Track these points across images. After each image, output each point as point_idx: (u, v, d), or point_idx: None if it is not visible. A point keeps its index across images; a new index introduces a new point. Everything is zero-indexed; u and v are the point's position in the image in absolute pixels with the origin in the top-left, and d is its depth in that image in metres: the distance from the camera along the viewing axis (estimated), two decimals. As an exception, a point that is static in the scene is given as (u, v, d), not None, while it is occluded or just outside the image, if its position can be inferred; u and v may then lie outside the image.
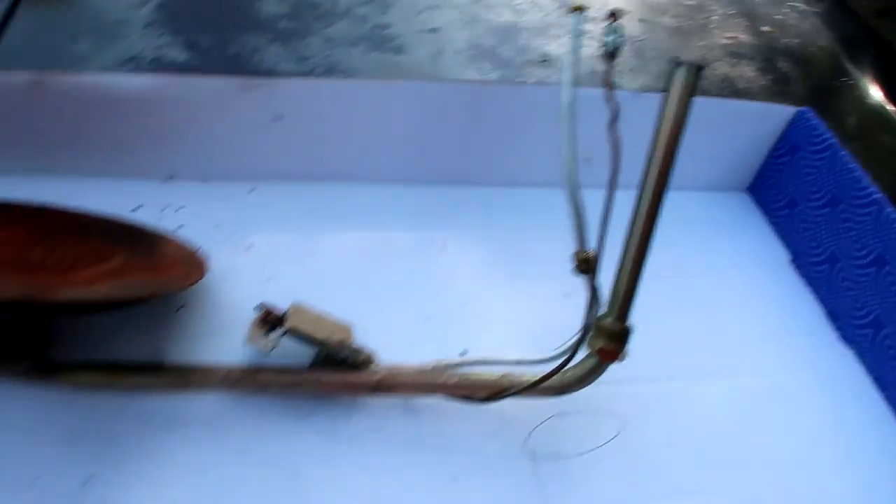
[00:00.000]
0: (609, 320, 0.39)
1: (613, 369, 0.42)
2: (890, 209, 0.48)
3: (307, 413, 0.41)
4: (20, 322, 0.37)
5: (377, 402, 0.42)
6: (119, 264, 0.38)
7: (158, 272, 0.40)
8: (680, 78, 0.37)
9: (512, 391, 0.40)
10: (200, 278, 0.41)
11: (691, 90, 0.37)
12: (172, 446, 0.38)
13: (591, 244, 0.39)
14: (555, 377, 0.41)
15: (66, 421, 0.38)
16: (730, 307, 0.53)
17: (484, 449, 0.42)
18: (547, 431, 0.43)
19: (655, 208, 0.39)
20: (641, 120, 0.38)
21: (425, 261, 0.50)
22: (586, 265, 0.40)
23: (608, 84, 0.38)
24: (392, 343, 0.43)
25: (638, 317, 0.49)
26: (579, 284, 0.40)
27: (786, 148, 0.57)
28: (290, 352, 0.41)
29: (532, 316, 0.48)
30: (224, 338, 0.43)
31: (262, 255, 0.48)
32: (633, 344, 0.46)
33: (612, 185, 0.39)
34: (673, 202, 0.60)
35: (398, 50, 0.70)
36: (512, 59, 0.73)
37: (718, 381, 0.48)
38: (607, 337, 0.39)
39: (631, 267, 0.39)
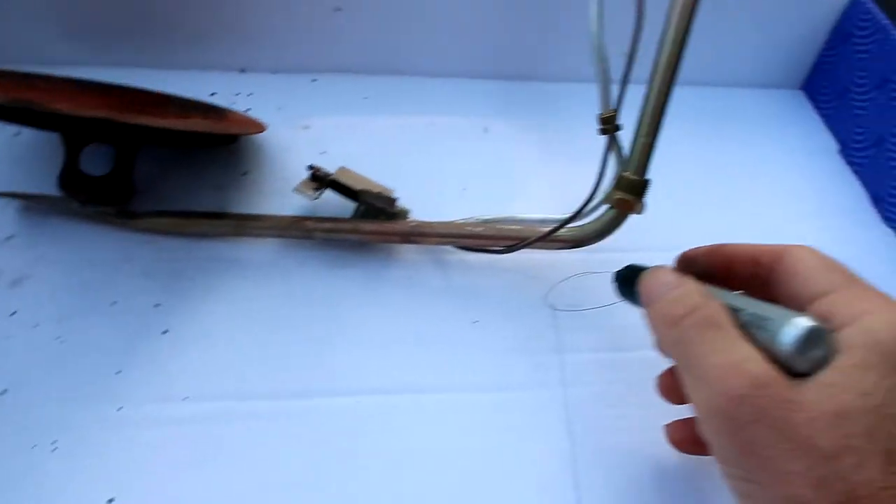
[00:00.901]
0: (628, 172, 0.41)
1: (641, 237, 0.44)
2: (936, 83, 0.47)
3: (348, 262, 0.46)
4: (112, 176, 0.44)
5: (411, 256, 0.46)
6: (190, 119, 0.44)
7: (223, 123, 0.46)
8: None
9: (532, 239, 0.43)
10: (260, 131, 0.47)
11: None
12: (230, 283, 0.44)
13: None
14: (575, 229, 0.43)
15: (141, 259, 0.44)
16: (773, 192, 0.54)
17: (507, 299, 0.45)
18: (569, 287, 0.45)
19: (677, 55, 0.40)
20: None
21: (467, 141, 0.54)
22: (608, 124, 0.42)
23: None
24: (431, 210, 0.47)
25: (674, 194, 0.51)
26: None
27: (838, 39, 0.57)
28: (335, 208, 0.46)
29: (568, 194, 0.50)
30: (281, 197, 0.48)
31: (318, 134, 0.53)
32: (664, 218, 0.49)
33: (636, 37, 0.41)
34: (724, 98, 0.61)
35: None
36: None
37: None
38: (625, 188, 0.41)
39: (649, 120, 0.41)
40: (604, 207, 0.43)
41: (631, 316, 0.45)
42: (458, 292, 0.45)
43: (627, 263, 0.39)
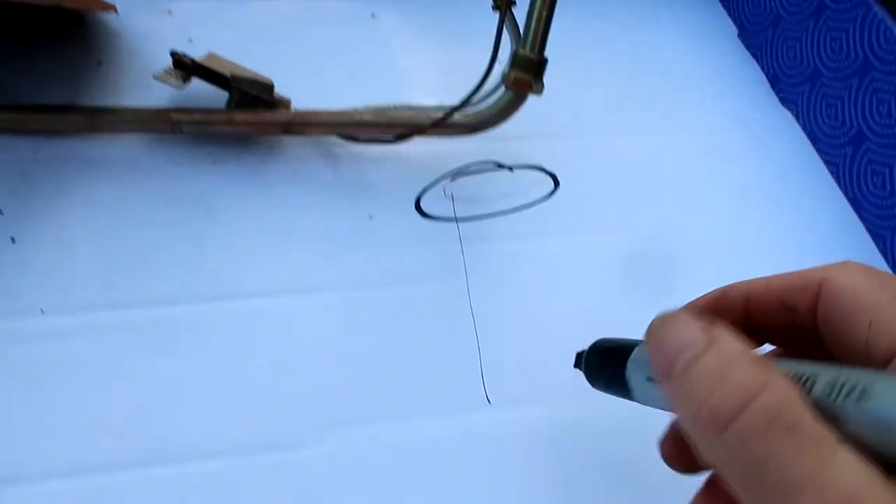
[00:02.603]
0: (524, 50, 0.38)
1: (541, 122, 0.42)
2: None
3: (224, 157, 0.41)
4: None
5: (295, 150, 0.42)
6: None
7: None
8: None
9: (425, 126, 0.40)
10: (107, 9, 0.41)
11: None
12: (87, 185, 0.39)
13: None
14: (471, 114, 0.40)
15: (-20, 162, 0.38)
16: (674, 75, 0.52)
17: (402, 191, 0.42)
18: (469, 179, 0.43)
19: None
20: None
21: (354, 28, 0.49)
22: (501, -3, 0.39)
23: None
24: (315, 101, 0.42)
25: (574, 75, 0.49)
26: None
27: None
28: (206, 99, 0.41)
29: (465, 80, 0.47)
30: (143, 89, 0.42)
31: (183, 20, 0.47)
32: (565, 101, 0.47)
33: None
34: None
35: None
36: None
37: (652, 137, 0.47)
38: (522, 66, 0.38)
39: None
40: (501, 90, 0.40)
41: (542, 211, 0.43)
42: (350, 186, 0.41)
43: (596, 340, 0.29)
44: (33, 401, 0.32)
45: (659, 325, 0.22)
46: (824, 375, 0.19)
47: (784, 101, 0.51)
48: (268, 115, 0.40)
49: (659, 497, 0.33)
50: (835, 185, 0.46)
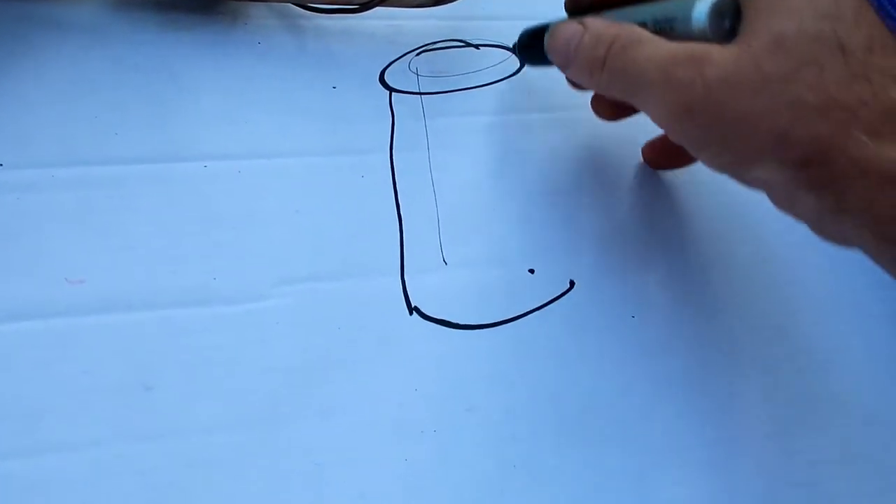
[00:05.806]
0: (489, -83, 0.38)
1: (511, 2, 0.42)
2: None
3: (188, 25, 0.41)
4: None
5: (260, 21, 0.42)
6: None
7: None
8: None
9: (390, -6, 0.39)
10: None
11: None
12: (47, 47, 0.38)
13: None
14: (436, -17, 0.40)
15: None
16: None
17: (368, 65, 0.41)
18: (435, 55, 0.43)
19: None
20: None
21: None
22: None
23: None
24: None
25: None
26: None
27: None
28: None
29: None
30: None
31: None
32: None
33: None
34: None
35: None
36: None
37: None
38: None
39: None
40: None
41: (501, 92, 0.43)
42: (315, 58, 0.41)
43: (522, 30, 0.39)
44: (-6, 248, 0.33)
45: (552, 33, 0.34)
46: (654, 15, 0.30)
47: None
48: (232, -20, 0.39)
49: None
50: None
